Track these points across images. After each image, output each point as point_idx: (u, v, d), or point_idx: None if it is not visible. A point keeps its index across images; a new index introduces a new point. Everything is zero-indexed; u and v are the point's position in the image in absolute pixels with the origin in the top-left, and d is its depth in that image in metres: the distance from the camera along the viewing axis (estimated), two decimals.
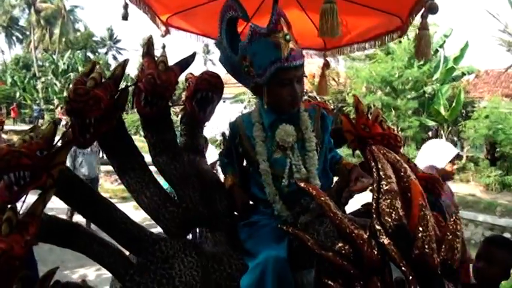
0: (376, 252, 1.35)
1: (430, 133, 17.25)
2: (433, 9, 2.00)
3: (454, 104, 14.82)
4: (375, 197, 1.40)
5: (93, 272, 5.38)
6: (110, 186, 11.15)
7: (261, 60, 1.81)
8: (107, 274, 1.99)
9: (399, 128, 15.27)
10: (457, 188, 12.96)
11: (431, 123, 15.52)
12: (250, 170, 2.04)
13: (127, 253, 1.93)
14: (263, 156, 1.91)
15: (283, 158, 1.91)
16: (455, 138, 17.43)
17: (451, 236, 1.35)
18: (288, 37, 1.77)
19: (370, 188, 1.50)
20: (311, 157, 1.91)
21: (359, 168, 1.92)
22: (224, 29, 2.00)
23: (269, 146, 1.94)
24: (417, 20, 2.30)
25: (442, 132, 15.73)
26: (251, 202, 2.09)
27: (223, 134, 2.27)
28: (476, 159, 15.10)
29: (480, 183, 13.31)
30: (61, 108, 24.31)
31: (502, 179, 12.87)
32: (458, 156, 3.94)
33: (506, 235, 9.13)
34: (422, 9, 2.14)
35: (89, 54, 46.50)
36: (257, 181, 1.97)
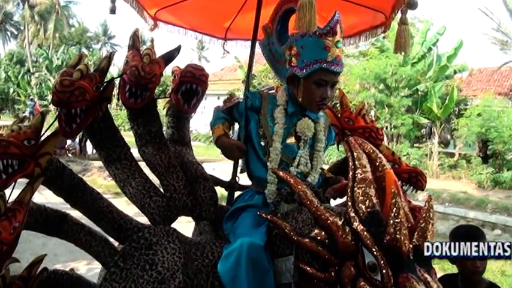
0: (350, 238, 1.40)
1: (423, 131, 17.32)
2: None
3: (447, 102, 14.89)
4: (350, 185, 1.45)
5: (84, 265, 5.40)
6: (103, 181, 11.15)
7: (307, 55, 1.91)
8: (97, 267, 2.04)
9: (392, 125, 15.32)
10: (449, 185, 13.05)
11: (424, 120, 15.60)
12: (256, 145, 2.06)
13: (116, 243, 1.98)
14: (279, 138, 1.99)
15: (295, 146, 2.01)
16: (448, 136, 17.51)
17: (423, 224, 1.41)
18: (339, 44, 1.91)
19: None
20: (318, 156, 2.04)
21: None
22: (280, 16, 2.12)
23: (285, 131, 2.01)
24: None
25: (435, 130, 15.79)
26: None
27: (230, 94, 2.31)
28: (468, 157, 15.19)
29: (472, 180, 13.41)
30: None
31: (494, 176, 12.95)
32: None
33: (497, 231, 9.20)
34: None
35: (83, 49, 46.21)
36: (259, 159, 2.04)
